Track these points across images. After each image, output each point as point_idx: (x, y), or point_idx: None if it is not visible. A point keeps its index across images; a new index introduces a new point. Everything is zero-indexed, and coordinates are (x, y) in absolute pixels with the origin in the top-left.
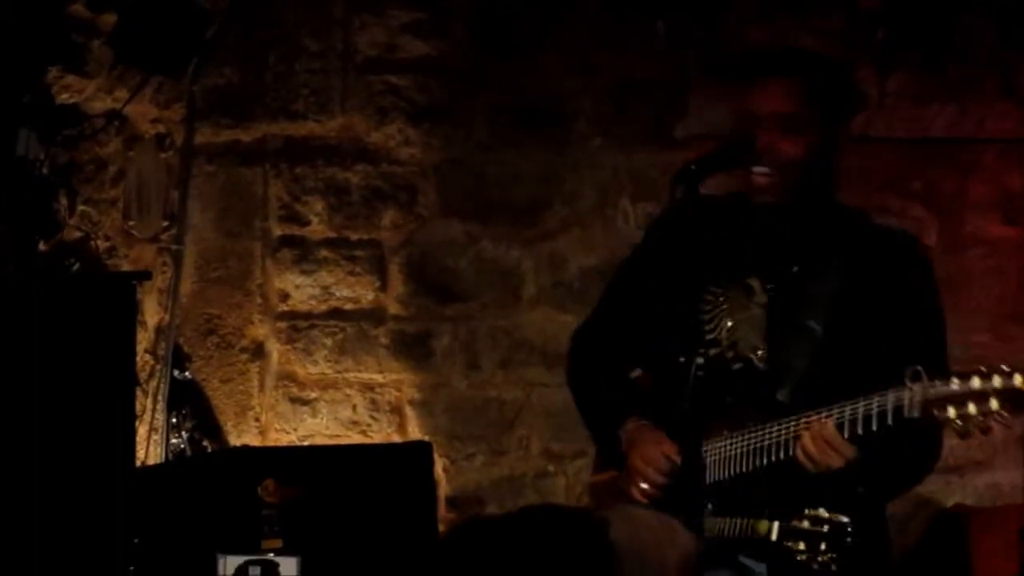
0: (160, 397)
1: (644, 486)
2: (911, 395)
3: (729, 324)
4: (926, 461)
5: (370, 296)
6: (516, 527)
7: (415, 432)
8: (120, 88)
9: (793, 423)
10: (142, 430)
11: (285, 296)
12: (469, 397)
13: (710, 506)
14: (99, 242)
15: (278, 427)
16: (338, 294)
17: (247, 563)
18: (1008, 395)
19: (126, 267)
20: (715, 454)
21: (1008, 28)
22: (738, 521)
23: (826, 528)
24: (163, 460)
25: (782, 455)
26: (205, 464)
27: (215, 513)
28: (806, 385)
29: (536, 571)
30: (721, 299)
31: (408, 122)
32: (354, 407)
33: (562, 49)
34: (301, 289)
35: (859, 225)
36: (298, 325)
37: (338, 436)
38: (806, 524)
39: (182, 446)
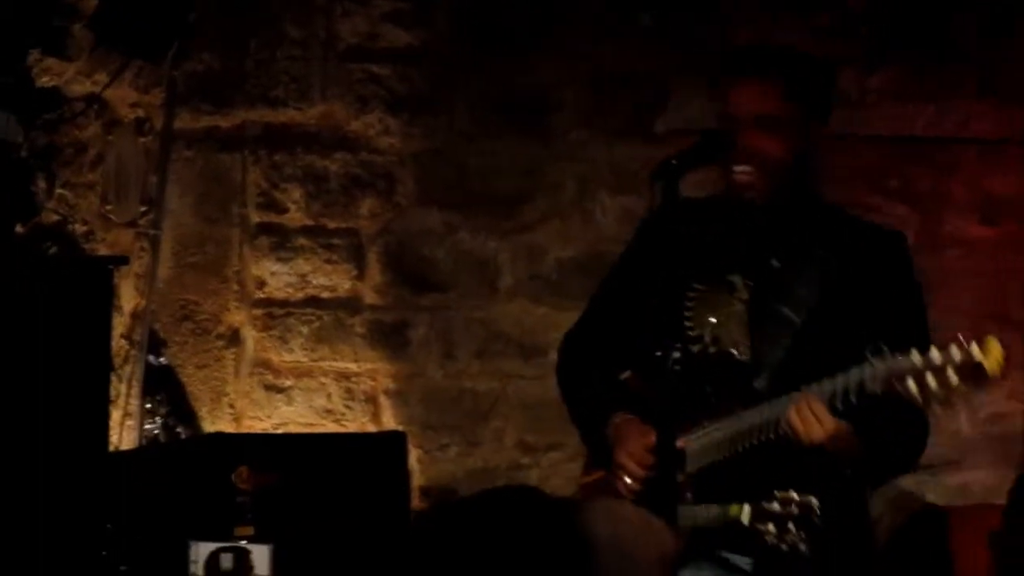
0: (135, 382)
1: (628, 480)
2: (872, 370)
3: (712, 320)
4: (914, 444)
5: (347, 285)
6: (488, 507)
7: (390, 422)
8: (100, 72)
9: (767, 407)
10: (116, 415)
11: (262, 283)
12: (444, 388)
13: (689, 495)
14: (77, 226)
15: (252, 414)
16: (315, 282)
17: (219, 550)
18: (967, 369)
19: (103, 251)
20: (695, 444)
21: (991, 29)
22: (714, 507)
23: (795, 509)
24: (137, 445)
25: (756, 440)
26: (179, 450)
27: (188, 499)
28: (783, 374)
29: (507, 550)
30: (704, 296)
31: (388, 111)
32: (329, 396)
33: (545, 40)
34: (278, 276)
35: (840, 220)
36: (274, 312)
37: (312, 424)
38: (776, 506)
39: (156, 432)
